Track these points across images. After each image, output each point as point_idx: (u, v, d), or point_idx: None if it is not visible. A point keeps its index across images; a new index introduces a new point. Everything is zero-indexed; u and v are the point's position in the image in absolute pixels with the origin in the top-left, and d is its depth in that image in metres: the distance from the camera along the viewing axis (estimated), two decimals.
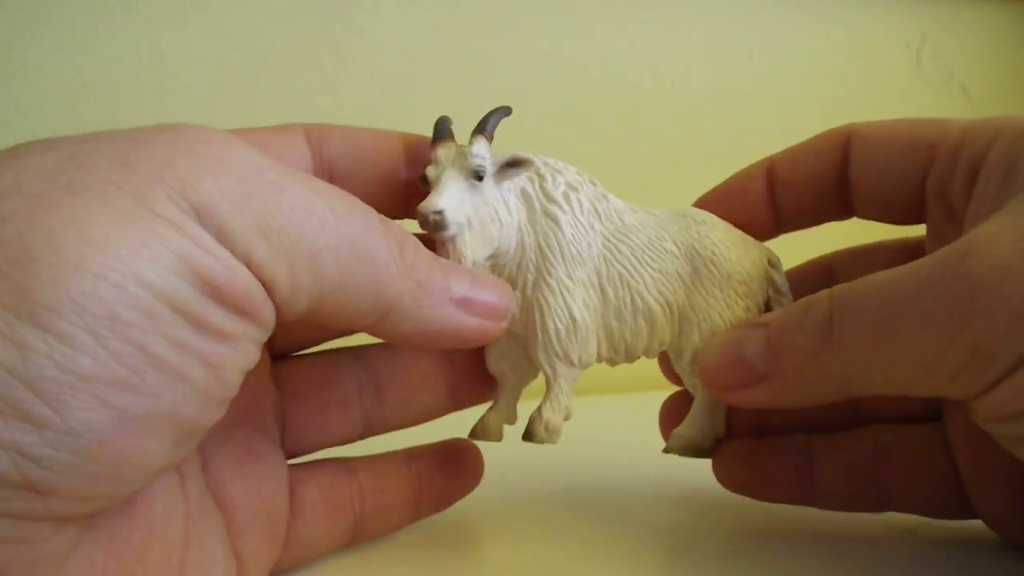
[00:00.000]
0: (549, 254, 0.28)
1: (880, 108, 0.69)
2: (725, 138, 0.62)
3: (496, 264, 0.28)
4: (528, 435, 0.28)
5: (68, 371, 0.16)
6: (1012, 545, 0.28)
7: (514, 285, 0.28)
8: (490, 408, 0.30)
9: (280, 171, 0.20)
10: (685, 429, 0.30)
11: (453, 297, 0.24)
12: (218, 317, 0.19)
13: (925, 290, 0.22)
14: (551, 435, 0.28)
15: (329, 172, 0.27)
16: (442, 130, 0.27)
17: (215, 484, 0.24)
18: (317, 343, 0.29)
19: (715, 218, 0.30)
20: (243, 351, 0.20)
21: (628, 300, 0.28)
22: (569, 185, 0.28)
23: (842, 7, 0.66)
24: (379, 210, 0.23)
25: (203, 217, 0.18)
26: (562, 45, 0.59)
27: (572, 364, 0.28)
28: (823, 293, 0.24)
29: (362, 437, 0.29)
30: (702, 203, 0.31)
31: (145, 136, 0.19)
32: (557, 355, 0.28)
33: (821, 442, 0.31)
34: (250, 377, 0.25)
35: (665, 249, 0.29)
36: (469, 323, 0.24)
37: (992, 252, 0.21)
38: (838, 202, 0.30)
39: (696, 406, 0.30)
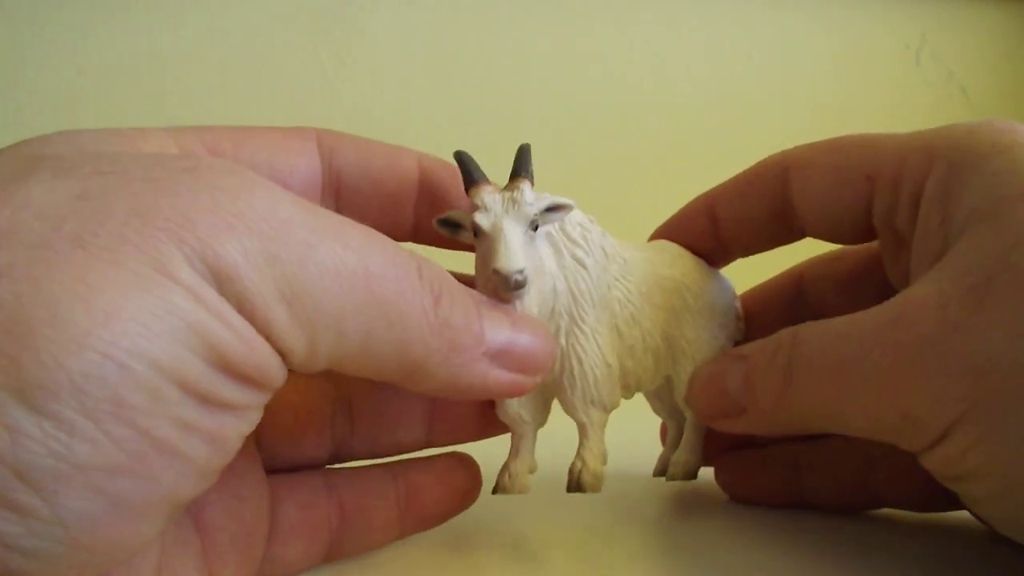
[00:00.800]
0: (581, 299, 0.27)
1: (879, 108, 0.69)
2: (724, 138, 0.62)
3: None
4: (577, 486, 0.27)
5: (63, 459, 0.15)
6: (999, 537, 0.29)
7: None
8: (512, 458, 0.28)
9: (311, 224, 0.18)
10: (683, 455, 0.31)
11: (489, 351, 0.22)
12: (229, 391, 0.17)
13: (865, 353, 0.22)
14: (598, 482, 0.27)
15: (336, 184, 0.26)
16: (478, 172, 0.25)
17: (195, 506, 0.23)
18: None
19: (687, 252, 0.31)
20: (249, 419, 0.19)
21: (640, 339, 0.28)
22: (581, 225, 0.27)
23: (841, 8, 0.66)
24: (382, 230, 0.21)
25: (223, 284, 0.17)
26: (562, 45, 0.59)
27: (606, 409, 0.28)
28: (788, 334, 0.25)
29: (331, 463, 0.28)
30: (652, 238, 0.32)
31: (165, 178, 0.17)
32: (593, 402, 0.28)
33: (807, 453, 0.31)
34: None
35: (661, 286, 0.29)
36: (503, 379, 0.23)
37: (918, 322, 0.22)
38: (783, 229, 0.30)
39: (690, 432, 0.31)
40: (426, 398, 0.28)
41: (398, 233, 0.27)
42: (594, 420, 0.28)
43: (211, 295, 0.17)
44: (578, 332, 0.27)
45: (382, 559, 0.28)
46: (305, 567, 0.27)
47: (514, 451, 0.28)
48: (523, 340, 0.23)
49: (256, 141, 0.24)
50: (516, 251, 0.24)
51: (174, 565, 0.22)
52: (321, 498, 0.27)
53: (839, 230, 0.29)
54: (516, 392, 0.23)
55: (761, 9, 0.64)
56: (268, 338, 0.18)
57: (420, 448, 0.28)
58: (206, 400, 0.17)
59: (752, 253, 0.32)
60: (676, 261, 0.30)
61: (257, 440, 0.26)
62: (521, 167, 0.26)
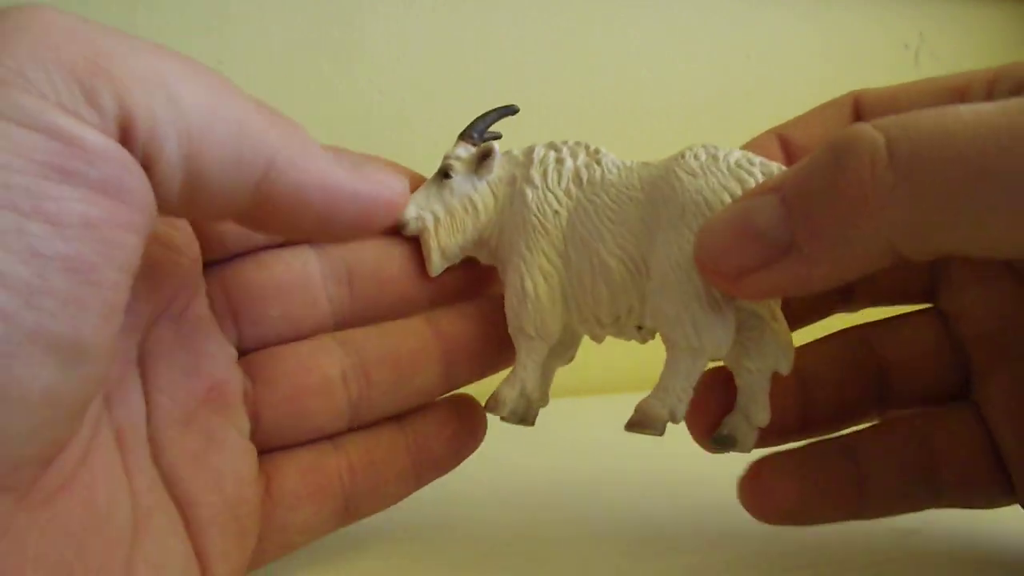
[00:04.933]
0: (515, 230, 0.28)
1: None
2: (723, 139, 0.62)
3: (490, 250, 0.29)
4: (485, 404, 0.28)
5: None
6: None
7: (504, 265, 0.28)
8: (516, 376, 0.28)
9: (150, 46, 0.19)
10: (647, 401, 0.25)
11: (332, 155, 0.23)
12: (77, 199, 0.17)
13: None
14: (497, 406, 0.27)
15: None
16: (474, 130, 0.30)
17: (170, 479, 0.23)
18: (263, 243, 0.27)
19: (712, 147, 0.26)
20: (114, 243, 0.18)
21: (587, 261, 0.26)
22: (558, 159, 0.28)
23: (840, 7, 0.66)
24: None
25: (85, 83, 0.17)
26: (560, 46, 0.59)
27: (529, 336, 0.27)
28: (860, 129, 0.20)
29: (351, 427, 0.28)
30: None
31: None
32: (515, 327, 0.27)
33: (861, 438, 0.28)
34: (206, 364, 0.25)
35: (630, 198, 0.26)
36: (361, 184, 0.24)
37: None
38: None
39: (665, 369, 0.25)
40: (436, 334, 0.28)
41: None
42: (520, 346, 0.27)
43: (63, 93, 0.17)
44: (509, 261, 0.28)
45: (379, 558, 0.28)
46: (322, 530, 0.27)
47: (512, 370, 0.28)
48: (368, 165, 0.25)
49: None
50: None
51: (154, 529, 0.22)
52: (327, 459, 0.27)
53: None
54: (385, 207, 0.25)
55: (759, 8, 0.64)
56: (124, 142, 0.18)
57: (443, 391, 0.29)
58: (53, 218, 0.16)
59: None
60: (671, 161, 0.26)
61: (256, 416, 0.26)
62: (465, 129, 0.29)
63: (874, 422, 0.30)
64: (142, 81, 0.18)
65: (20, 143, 0.16)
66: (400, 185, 0.26)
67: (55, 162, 0.17)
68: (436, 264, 0.28)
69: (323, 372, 0.26)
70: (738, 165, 0.25)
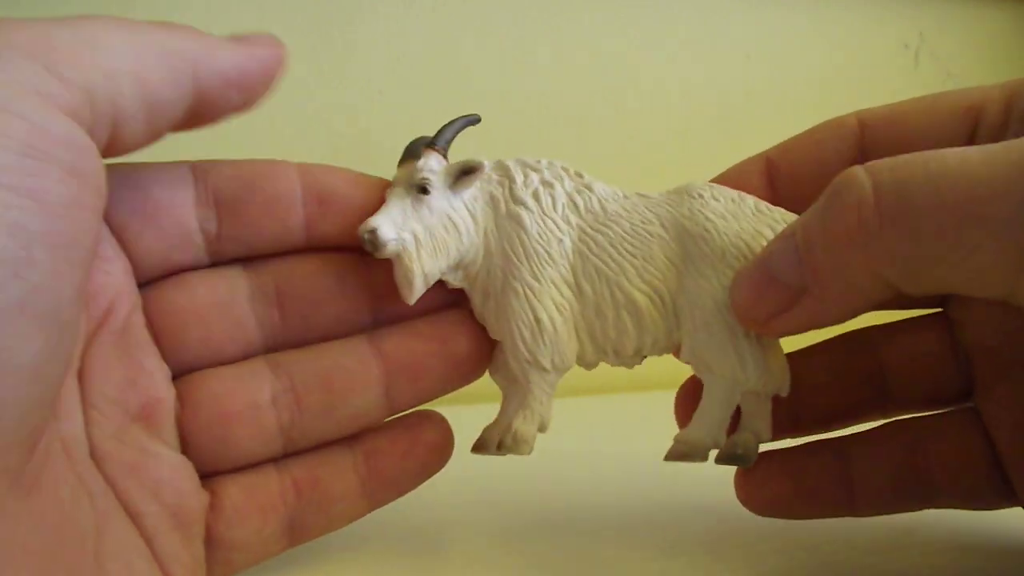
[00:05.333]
0: (513, 256, 0.26)
1: None
2: (722, 139, 0.62)
3: (467, 274, 0.27)
4: (499, 445, 0.26)
5: None
6: None
7: (486, 293, 0.27)
8: (511, 411, 0.27)
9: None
10: (688, 432, 0.27)
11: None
12: (51, 179, 0.18)
13: (1010, 189, 0.19)
14: (518, 445, 0.26)
15: (215, 199, 0.26)
16: (407, 151, 0.27)
17: (113, 487, 0.23)
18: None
19: (720, 189, 0.27)
20: (84, 221, 0.19)
21: (607, 294, 0.26)
22: (544, 182, 0.27)
23: (839, 7, 0.66)
24: (270, 234, 0.25)
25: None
26: (560, 46, 0.59)
27: (544, 369, 0.26)
28: (853, 173, 0.21)
29: (286, 453, 0.27)
30: None
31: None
32: (527, 361, 0.26)
33: (854, 441, 0.29)
34: (143, 380, 0.24)
35: (650, 233, 0.27)
36: (256, 49, 0.24)
37: None
38: None
39: (705, 400, 0.27)
40: (375, 353, 0.27)
41: (291, 236, 0.26)
42: (531, 380, 0.26)
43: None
44: (509, 289, 0.26)
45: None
46: (267, 551, 0.26)
47: (525, 404, 0.27)
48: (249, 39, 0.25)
49: (137, 175, 0.25)
50: (377, 215, 0.25)
51: (114, 527, 0.22)
52: (269, 477, 0.26)
53: None
54: (268, 68, 0.24)
55: (758, 9, 0.64)
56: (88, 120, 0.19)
57: (385, 416, 0.27)
58: (36, 195, 0.17)
59: None
60: (684, 203, 0.27)
61: (183, 439, 0.25)
62: (432, 139, 0.27)
63: (878, 423, 0.30)
64: (98, 58, 0.20)
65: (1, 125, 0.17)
66: (277, 43, 0.26)
67: (32, 142, 0.17)
68: (418, 290, 0.26)
69: (249, 398, 0.26)
70: (759, 210, 0.27)
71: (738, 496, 0.29)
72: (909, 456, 0.28)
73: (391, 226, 0.25)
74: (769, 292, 0.23)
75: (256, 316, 0.26)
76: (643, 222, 0.27)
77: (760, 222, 0.26)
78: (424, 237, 0.26)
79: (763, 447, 0.28)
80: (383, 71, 0.56)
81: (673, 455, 0.27)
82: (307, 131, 0.54)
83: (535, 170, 0.27)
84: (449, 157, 0.27)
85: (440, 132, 0.27)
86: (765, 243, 0.25)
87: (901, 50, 0.67)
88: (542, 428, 0.27)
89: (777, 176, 0.29)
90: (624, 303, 0.26)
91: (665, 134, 0.62)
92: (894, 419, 0.30)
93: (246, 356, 0.26)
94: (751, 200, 0.27)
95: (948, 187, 0.19)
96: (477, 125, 0.28)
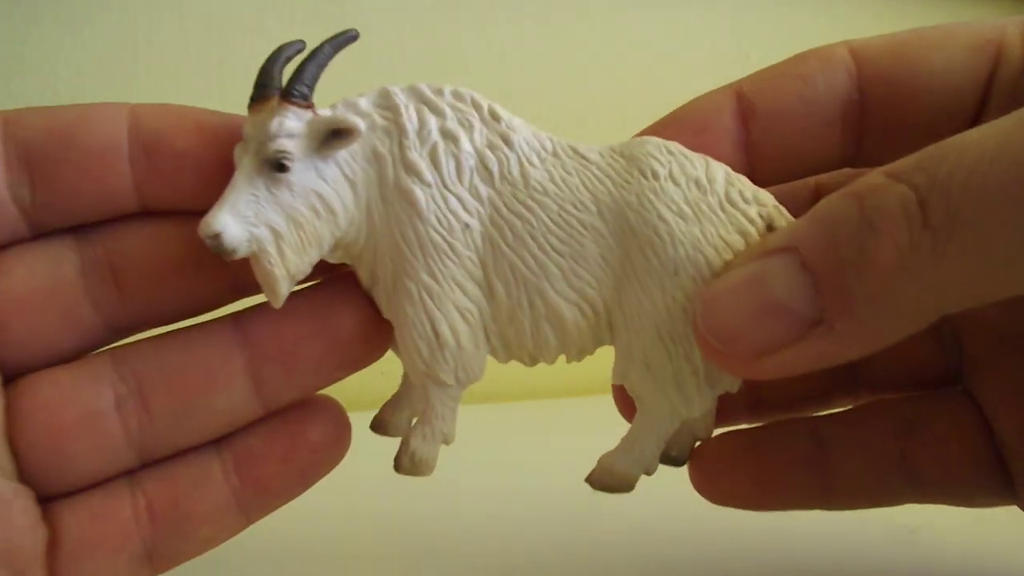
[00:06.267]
0: (404, 248, 0.21)
1: None
2: None
3: (349, 254, 0.22)
4: (395, 464, 0.22)
5: None
6: None
7: (376, 278, 0.22)
8: (420, 426, 0.23)
9: None
10: (614, 460, 0.23)
11: None
12: None
13: None
14: (417, 467, 0.22)
15: (25, 155, 0.21)
16: (260, 83, 0.20)
17: None
18: None
19: (682, 159, 0.21)
20: None
21: (524, 302, 0.21)
22: (446, 133, 0.21)
23: (839, 7, 0.66)
24: (90, 196, 0.20)
25: None
26: (560, 45, 0.59)
27: (445, 384, 0.22)
28: (880, 184, 0.17)
29: (144, 464, 0.22)
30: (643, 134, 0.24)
31: None
32: (425, 375, 0.22)
33: (830, 422, 0.25)
34: None
35: (584, 225, 0.21)
36: None
37: None
38: (841, 141, 0.23)
39: (636, 423, 0.23)
40: (240, 342, 0.22)
41: (118, 199, 0.21)
42: (430, 395, 0.22)
43: None
44: (402, 289, 0.21)
45: None
46: None
47: (424, 420, 0.22)
48: None
49: None
50: (218, 210, 0.19)
51: None
52: (120, 501, 0.22)
53: (936, 129, 0.20)
54: None
55: (759, 8, 0.64)
56: None
57: (257, 415, 0.23)
58: None
59: (785, 178, 0.23)
60: (634, 183, 0.21)
61: (17, 459, 0.21)
62: (288, 85, 0.20)
63: (844, 408, 0.27)
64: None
65: None
66: None
67: None
68: (283, 294, 0.21)
69: (87, 404, 0.21)
70: (731, 203, 0.21)
71: (693, 483, 0.25)
72: (894, 441, 0.25)
73: (239, 224, 0.19)
74: (766, 323, 0.18)
75: (91, 298, 0.22)
76: (575, 207, 0.21)
77: (729, 223, 0.21)
78: (285, 228, 0.20)
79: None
80: (384, 72, 0.56)
81: (596, 484, 0.23)
82: None
83: (435, 111, 0.21)
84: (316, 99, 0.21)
85: (298, 73, 0.21)
86: (731, 255, 0.21)
87: None
88: (446, 442, 0.23)
89: (752, 116, 0.24)
90: (547, 313, 0.21)
91: None
92: (877, 399, 0.26)
93: (85, 348, 0.22)
94: (721, 179, 0.21)
95: (1002, 174, 0.16)
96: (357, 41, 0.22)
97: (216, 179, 0.20)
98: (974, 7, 0.68)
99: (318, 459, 0.23)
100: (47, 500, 0.21)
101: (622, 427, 0.24)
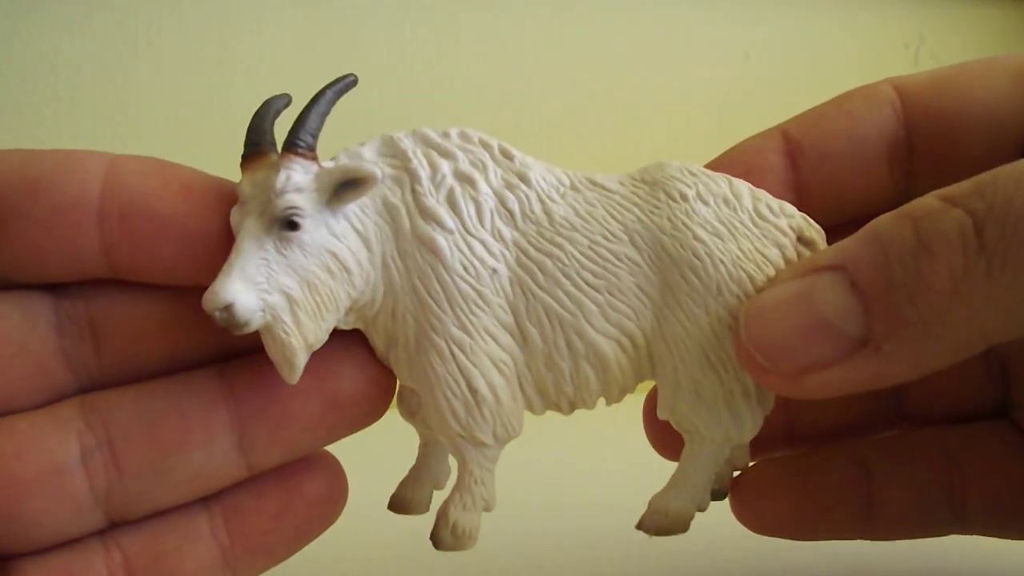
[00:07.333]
0: (430, 301, 0.19)
1: None
2: (722, 139, 0.62)
3: (363, 317, 0.20)
4: (434, 539, 0.20)
5: None
6: None
7: (392, 339, 0.20)
8: (458, 496, 0.21)
9: None
10: (668, 500, 0.22)
11: None
12: None
13: None
14: (460, 540, 0.20)
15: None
16: (252, 139, 0.19)
17: None
18: None
19: (705, 179, 0.21)
20: None
21: (562, 342, 0.20)
22: (461, 176, 0.20)
23: (839, 7, 0.66)
24: (54, 255, 0.18)
25: None
26: (559, 46, 0.59)
27: (484, 444, 0.20)
28: (934, 207, 0.17)
29: (112, 525, 0.20)
30: None
31: None
32: (461, 437, 0.20)
33: (874, 451, 0.25)
34: None
35: (617, 256, 0.20)
36: None
37: None
38: (890, 178, 0.23)
39: (686, 462, 0.22)
40: (224, 396, 0.20)
41: (85, 262, 0.19)
42: (467, 458, 0.20)
43: None
44: (429, 347, 0.20)
45: None
46: None
47: (462, 487, 0.21)
48: None
49: None
50: (226, 278, 0.17)
51: None
52: (92, 556, 0.20)
53: (992, 158, 0.20)
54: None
55: (758, 8, 0.64)
56: None
57: (239, 477, 0.21)
58: None
59: (848, 215, 0.23)
60: (663, 208, 0.20)
61: None
62: (291, 135, 0.19)
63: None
64: None
65: None
66: None
67: None
68: (300, 366, 0.19)
69: (48, 458, 0.19)
70: (762, 218, 0.21)
71: (733, 511, 0.24)
72: (941, 472, 0.24)
73: (251, 292, 0.18)
74: (814, 341, 0.18)
75: (64, 354, 0.20)
76: (606, 238, 0.20)
77: (764, 237, 0.20)
78: (299, 293, 0.18)
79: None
80: (384, 72, 0.56)
81: (651, 529, 0.22)
82: None
83: (445, 155, 0.20)
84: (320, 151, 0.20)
85: (300, 121, 0.19)
86: (773, 271, 0.20)
87: (901, 50, 0.67)
88: (487, 509, 0.21)
89: (800, 155, 0.24)
90: (587, 353, 0.20)
91: (665, 134, 0.62)
92: (919, 430, 0.26)
93: (47, 402, 0.20)
94: (747, 195, 0.21)
95: None
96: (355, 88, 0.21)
97: (201, 250, 0.19)
98: (974, 7, 0.68)
99: (314, 515, 0.21)
100: (8, 559, 0.19)
101: (627, 438, 0.23)
